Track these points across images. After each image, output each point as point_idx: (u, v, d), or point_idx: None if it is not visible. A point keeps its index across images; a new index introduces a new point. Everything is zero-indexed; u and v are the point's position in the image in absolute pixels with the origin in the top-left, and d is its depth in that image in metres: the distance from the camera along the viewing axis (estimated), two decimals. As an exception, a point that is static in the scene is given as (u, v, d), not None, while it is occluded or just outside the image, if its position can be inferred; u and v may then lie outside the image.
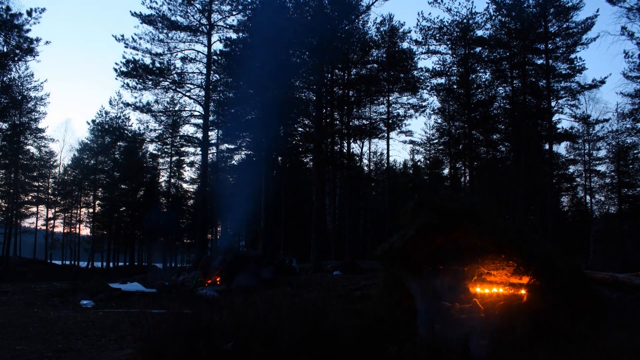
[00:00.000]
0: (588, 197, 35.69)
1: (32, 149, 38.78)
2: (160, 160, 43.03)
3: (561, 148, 39.86)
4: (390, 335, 4.49)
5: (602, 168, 34.52)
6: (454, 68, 30.27)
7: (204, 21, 24.55)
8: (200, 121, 28.87)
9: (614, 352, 4.19)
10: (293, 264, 17.41)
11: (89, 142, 42.31)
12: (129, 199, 41.48)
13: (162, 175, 44.01)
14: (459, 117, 32.16)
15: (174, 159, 42.49)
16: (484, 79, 30.13)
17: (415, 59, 30.33)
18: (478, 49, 29.13)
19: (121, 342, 5.56)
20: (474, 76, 29.86)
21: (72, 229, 47.28)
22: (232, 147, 36.06)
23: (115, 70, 24.24)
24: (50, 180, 43.75)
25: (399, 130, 34.32)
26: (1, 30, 27.75)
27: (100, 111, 42.67)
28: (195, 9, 24.33)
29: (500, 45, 27.42)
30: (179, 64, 33.92)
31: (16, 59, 29.46)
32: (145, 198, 41.52)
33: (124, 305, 9.18)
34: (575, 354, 4.23)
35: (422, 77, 30.65)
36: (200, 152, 28.87)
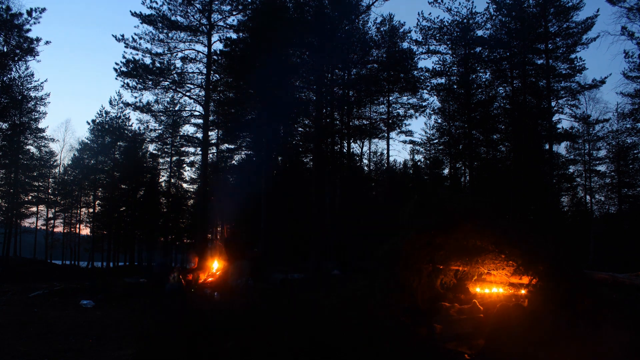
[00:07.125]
0: (588, 197, 35.66)
1: (32, 149, 38.82)
2: (160, 160, 43.08)
3: (561, 148, 39.74)
4: (390, 336, 4.49)
5: (602, 168, 34.48)
6: (454, 68, 30.33)
7: (204, 21, 24.56)
8: (200, 121, 28.93)
9: (613, 353, 4.19)
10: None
11: (89, 142, 42.28)
12: (129, 199, 41.49)
13: (162, 175, 44.03)
14: (459, 117, 32.19)
15: (174, 159, 42.55)
16: (484, 79, 30.19)
17: (416, 59, 30.36)
18: (478, 49, 29.17)
19: (121, 342, 5.56)
20: (474, 76, 29.89)
21: (72, 229, 47.29)
22: (232, 147, 36.15)
23: (116, 70, 24.27)
24: (50, 180, 43.68)
25: (399, 130, 34.33)
26: (1, 30, 27.75)
27: (100, 111, 42.62)
28: (195, 9, 24.34)
29: (500, 45, 27.42)
30: (179, 64, 33.93)
31: (16, 59, 29.51)
32: (145, 198, 41.52)
33: (124, 306, 9.19)
34: (575, 354, 4.23)
35: (422, 77, 30.69)
36: (200, 152, 28.90)
